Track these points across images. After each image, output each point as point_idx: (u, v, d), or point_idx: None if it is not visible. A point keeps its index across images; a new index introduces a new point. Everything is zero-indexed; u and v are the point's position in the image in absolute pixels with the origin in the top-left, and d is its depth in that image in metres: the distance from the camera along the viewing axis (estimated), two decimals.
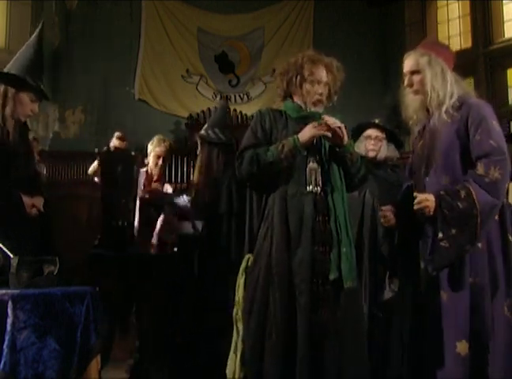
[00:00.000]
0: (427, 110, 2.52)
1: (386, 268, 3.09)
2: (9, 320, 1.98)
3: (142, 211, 4.07)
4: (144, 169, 4.15)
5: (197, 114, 7.52)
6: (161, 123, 7.22)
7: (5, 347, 1.96)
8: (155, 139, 4.15)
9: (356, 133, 3.20)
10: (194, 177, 3.52)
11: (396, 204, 2.62)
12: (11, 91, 2.73)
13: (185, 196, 3.59)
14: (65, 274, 2.57)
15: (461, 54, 7.03)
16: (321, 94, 2.51)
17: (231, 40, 8.03)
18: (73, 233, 5.80)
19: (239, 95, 7.98)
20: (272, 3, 8.13)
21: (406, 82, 2.52)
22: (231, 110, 7.64)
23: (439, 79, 2.45)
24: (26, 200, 2.74)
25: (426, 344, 2.40)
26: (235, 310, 2.59)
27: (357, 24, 8.07)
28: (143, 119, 7.37)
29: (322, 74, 2.51)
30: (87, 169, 6.84)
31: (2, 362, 1.94)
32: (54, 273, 2.34)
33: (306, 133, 2.42)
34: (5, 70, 2.78)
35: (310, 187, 2.41)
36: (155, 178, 4.11)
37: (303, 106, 2.54)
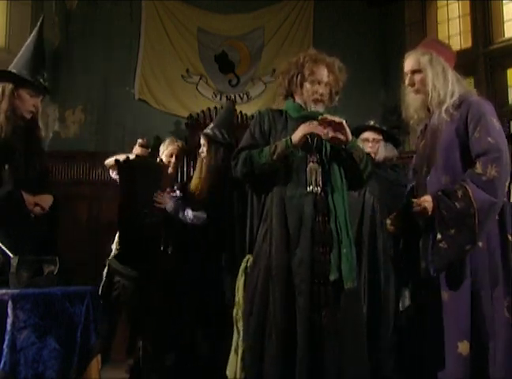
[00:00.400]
0: (428, 110, 2.51)
1: (402, 276, 3.09)
2: (9, 320, 1.99)
3: None
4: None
5: (197, 114, 7.52)
6: (161, 123, 7.21)
7: (5, 346, 1.96)
8: (167, 140, 4.16)
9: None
10: (198, 177, 3.49)
11: (401, 208, 2.59)
12: (8, 87, 2.72)
13: (189, 211, 3.47)
14: (65, 274, 2.57)
15: (461, 53, 7.02)
16: (321, 94, 2.50)
17: (231, 40, 8.02)
18: (72, 233, 5.79)
19: (239, 95, 7.97)
20: (272, 3, 8.12)
21: (407, 81, 2.52)
22: None
23: (440, 78, 2.45)
24: (28, 198, 2.73)
25: (426, 344, 2.40)
26: (235, 311, 2.60)
27: (357, 24, 8.06)
28: (143, 119, 7.37)
29: (323, 74, 2.51)
30: (87, 169, 6.85)
31: (2, 362, 1.94)
32: (54, 273, 2.34)
33: (298, 131, 2.42)
34: (9, 69, 2.79)
35: (311, 187, 2.41)
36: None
37: (304, 105, 2.54)
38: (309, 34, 8.13)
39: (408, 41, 7.62)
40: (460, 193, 2.28)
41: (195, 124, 7.53)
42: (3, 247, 2.37)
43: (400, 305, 3.06)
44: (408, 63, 2.54)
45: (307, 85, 2.51)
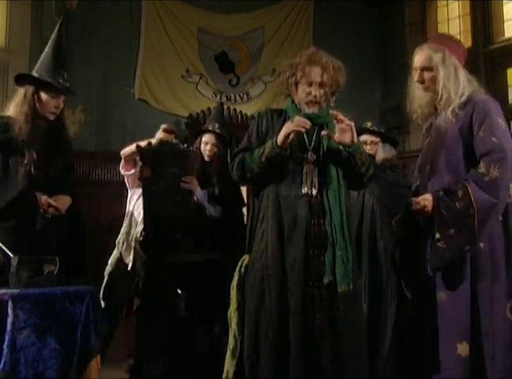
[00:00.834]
0: (435, 108, 2.48)
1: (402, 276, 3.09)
2: (9, 320, 1.99)
3: None
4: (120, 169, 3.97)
5: (197, 114, 7.52)
6: (161, 123, 7.14)
7: (5, 346, 1.96)
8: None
9: None
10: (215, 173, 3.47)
11: (404, 210, 2.58)
12: (29, 91, 2.76)
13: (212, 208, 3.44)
14: (66, 274, 2.58)
15: None
16: (314, 95, 2.48)
17: (231, 40, 8.02)
18: None
19: (239, 95, 7.97)
20: (272, 3, 8.12)
21: (417, 78, 2.47)
22: (231, 109, 7.64)
23: (452, 79, 2.41)
24: (41, 198, 2.73)
25: (426, 345, 2.39)
26: (229, 310, 2.60)
27: (357, 24, 8.06)
28: (143, 119, 7.36)
29: (317, 75, 2.47)
30: (87, 169, 6.84)
31: (2, 362, 1.94)
32: (54, 273, 2.34)
33: (281, 132, 2.40)
34: (32, 72, 2.82)
35: (306, 189, 2.40)
36: None
37: (299, 107, 2.54)
38: (309, 34, 8.13)
39: (408, 41, 7.62)
40: (460, 193, 2.27)
41: (195, 124, 7.53)
42: (3, 247, 2.37)
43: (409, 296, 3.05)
44: (419, 59, 2.48)
45: (301, 87, 2.50)
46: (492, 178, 2.23)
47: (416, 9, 7.96)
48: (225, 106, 7.73)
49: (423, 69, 2.45)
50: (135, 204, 3.94)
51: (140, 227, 3.73)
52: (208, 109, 7.58)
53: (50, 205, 2.75)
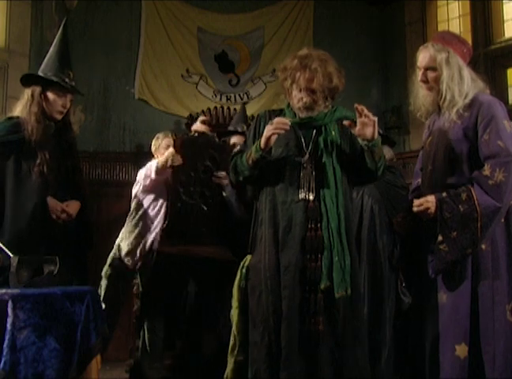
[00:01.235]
0: (438, 106, 2.46)
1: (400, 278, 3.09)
2: (9, 320, 1.99)
3: None
4: (153, 173, 3.84)
5: (197, 114, 7.51)
6: (161, 122, 7.21)
7: (5, 346, 1.96)
8: (159, 135, 4.01)
9: None
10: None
11: (407, 209, 2.57)
12: (36, 91, 2.77)
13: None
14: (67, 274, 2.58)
15: None
16: (305, 102, 2.45)
17: (231, 40, 8.02)
18: None
19: (239, 95, 7.97)
20: (272, 3, 8.12)
21: (420, 77, 2.45)
22: (231, 109, 7.63)
23: (456, 79, 2.38)
24: (55, 205, 2.74)
25: (426, 345, 2.39)
26: (232, 310, 2.61)
27: (357, 23, 8.06)
28: (143, 119, 7.37)
29: (306, 81, 2.43)
30: (87, 169, 6.83)
31: (2, 362, 1.94)
32: (54, 273, 2.34)
33: (263, 135, 2.38)
34: (38, 73, 2.83)
35: (303, 194, 2.38)
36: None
37: (294, 111, 2.53)
38: (309, 34, 8.13)
39: (408, 41, 7.62)
40: (464, 196, 2.25)
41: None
42: (3, 247, 2.37)
43: (406, 301, 3.06)
44: (423, 58, 2.45)
45: (293, 92, 2.48)
46: (497, 182, 2.21)
47: (416, 9, 7.96)
48: (225, 107, 7.74)
49: (427, 68, 2.42)
50: (150, 206, 3.84)
51: (157, 229, 3.71)
52: (208, 109, 7.58)
53: (63, 211, 2.77)
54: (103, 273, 3.97)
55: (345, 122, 2.38)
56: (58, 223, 2.77)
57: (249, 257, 2.54)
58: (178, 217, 3.40)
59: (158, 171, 3.68)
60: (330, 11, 8.05)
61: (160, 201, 3.83)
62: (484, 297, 2.25)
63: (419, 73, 2.47)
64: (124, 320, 4.43)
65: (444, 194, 2.30)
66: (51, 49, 2.93)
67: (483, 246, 2.27)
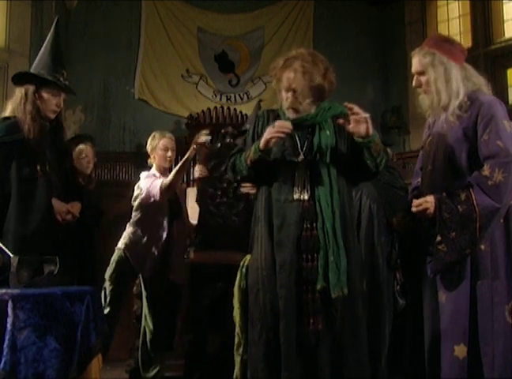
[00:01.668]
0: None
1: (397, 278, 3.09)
2: (10, 320, 1.99)
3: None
4: (152, 174, 3.81)
5: (197, 114, 7.52)
6: (161, 123, 7.21)
7: (5, 346, 1.96)
8: (155, 134, 3.94)
9: None
10: None
11: (406, 209, 2.56)
12: (30, 90, 2.74)
13: None
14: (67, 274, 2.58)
15: None
16: (292, 102, 2.45)
17: (231, 40, 8.02)
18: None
19: (239, 95, 7.98)
20: (272, 3, 8.12)
21: (414, 83, 2.48)
22: (231, 109, 7.64)
23: (442, 80, 2.39)
24: (58, 205, 2.73)
25: (425, 346, 2.39)
26: (234, 310, 2.62)
27: (357, 23, 8.06)
28: (143, 119, 7.37)
29: (289, 81, 2.44)
30: None
31: (3, 362, 1.94)
32: (55, 273, 2.34)
33: (263, 136, 2.38)
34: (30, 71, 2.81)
35: (297, 194, 2.38)
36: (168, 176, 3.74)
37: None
38: (309, 34, 8.13)
39: (408, 41, 7.62)
40: (463, 196, 2.24)
41: (195, 124, 7.53)
42: (3, 247, 2.37)
43: (401, 302, 3.06)
44: (414, 64, 2.48)
45: (281, 93, 2.49)
46: (496, 182, 2.20)
47: (416, 9, 7.96)
48: (225, 107, 7.74)
49: (418, 73, 2.46)
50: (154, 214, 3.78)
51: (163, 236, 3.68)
52: (208, 109, 7.58)
53: (68, 212, 2.77)
54: (107, 276, 3.90)
55: (339, 121, 2.37)
56: (61, 223, 2.77)
57: (248, 256, 2.55)
58: (209, 229, 3.44)
59: (163, 193, 3.61)
60: (330, 11, 8.06)
61: (164, 209, 3.77)
62: (483, 297, 2.25)
63: (414, 79, 2.50)
64: (124, 320, 4.42)
65: (443, 194, 2.30)
66: (43, 48, 2.91)
67: (483, 247, 2.27)
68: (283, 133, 2.32)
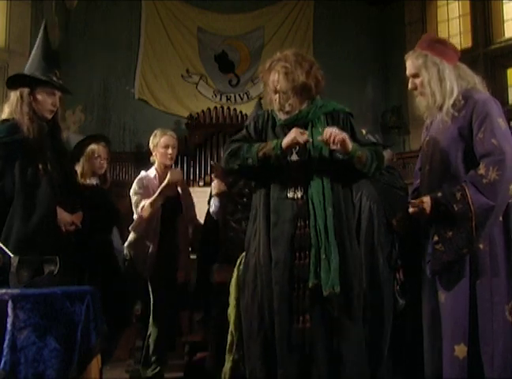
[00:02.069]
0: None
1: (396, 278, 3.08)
2: (10, 320, 1.98)
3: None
4: (153, 173, 3.76)
5: (197, 114, 7.53)
6: (161, 123, 7.20)
7: (5, 346, 1.96)
8: (156, 132, 3.94)
9: None
10: None
11: (405, 210, 2.55)
12: (25, 92, 2.76)
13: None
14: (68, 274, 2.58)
15: (461, 53, 6.95)
16: (279, 103, 2.46)
17: (231, 40, 8.03)
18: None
19: (239, 95, 7.98)
20: (272, 3, 8.14)
21: (410, 85, 2.48)
22: (231, 109, 7.65)
23: (435, 81, 2.39)
24: (64, 216, 2.74)
25: (425, 345, 2.39)
26: (229, 307, 2.62)
27: (357, 23, 8.07)
28: (143, 119, 7.38)
29: (274, 82, 2.45)
30: None
31: (3, 362, 1.94)
32: (55, 273, 2.33)
33: (288, 137, 2.37)
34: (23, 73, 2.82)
35: (291, 193, 2.38)
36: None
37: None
38: (309, 34, 8.14)
39: (408, 40, 7.63)
40: (459, 195, 2.24)
41: (195, 124, 7.54)
42: (3, 247, 2.37)
43: (400, 302, 3.06)
44: (408, 67, 2.49)
45: (270, 95, 2.49)
46: (491, 180, 2.19)
47: (416, 9, 7.97)
48: (225, 107, 7.75)
49: (412, 75, 2.47)
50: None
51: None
52: (208, 109, 7.59)
53: (72, 223, 2.78)
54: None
55: (319, 138, 2.37)
56: (63, 233, 2.78)
57: (244, 254, 2.55)
58: (231, 244, 3.45)
59: (144, 213, 3.60)
60: (330, 11, 8.06)
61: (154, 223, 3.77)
62: (483, 297, 2.24)
63: (409, 82, 2.50)
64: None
65: (439, 194, 2.30)
66: (34, 50, 2.92)
67: (481, 246, 2.26)
68: (304, 140, 2.33)
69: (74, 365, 2.17)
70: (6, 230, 2.60)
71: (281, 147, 2.37)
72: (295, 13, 8.19)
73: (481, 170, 2.24)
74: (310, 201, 2.35)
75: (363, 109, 3.81)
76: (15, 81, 2.83)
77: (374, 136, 3.38)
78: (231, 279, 2.75)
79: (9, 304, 2.01)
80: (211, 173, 7.36)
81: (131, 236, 3.76)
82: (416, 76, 2.46)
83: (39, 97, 2.79)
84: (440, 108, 2.38)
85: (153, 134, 3.85)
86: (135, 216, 3.69)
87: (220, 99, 7.90)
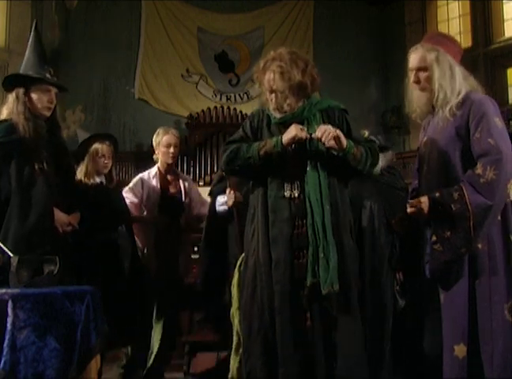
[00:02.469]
0: (433, 107, 2.45)
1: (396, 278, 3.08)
2: (10, 320, 1.98)
3: None
4: (154, 171, 3.76)
5: (197, 114, 7.52)
6: (161, 122, 7.19)
7: (5, 346, 1.96)
8: (159, 130, 3.94)
9: None
10: None
11: (404, 210, 2.55)
12: (20, 91, 2.77)
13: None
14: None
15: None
16: (275, 102, 2.45)
17: (231, 39, 8.03)
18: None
19: (239, 95, 7.98)
20: (272, 3, 8.13)
21: (413, 79, 2.44)
22: (231, 109, 7.65)
23: (447, 77, 2.37)
24: (61, 217, 2.75)
25: (424, 345, 2.39)
26: (232, 308, 2.62)
27: (357, 23, 8.07)
28: (143, 119, 7.38)
29: (270, 82, 2.44)
30: None
31: (2, 361, 1.94)
32: (54, 273, 2.33)
33: (289, 133, 2.37)
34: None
35: (288, 192, 2.38)
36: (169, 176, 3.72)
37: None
38: (309, 34, 8.14)
39: (408, 40, 7.63)
40: (456, 195, 2.23)
41: (195, 123, 7.54)
42: (3, 247, 2.37)
43: (400, 302, 3.06)
44: (414, 60, 2.45)
45: (265, 95, 2.49)
46: (488, 180, 2.19)
47: (416, 9, 7.97)
48: (225, 106, 7.75)
49: (418, 69, 2.42)
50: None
51: None
52: (208, 109, 7.59)
53: (69, 224, 2.79)
54: None
55: (314, 135, 2.36)
56: (60, 233, 2.78)
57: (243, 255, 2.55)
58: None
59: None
60: (330, 11, 8.06)
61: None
62: (482, 296, 2.24)
63: (412, 75, 2.46)
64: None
65: (437, 194, 2.29)
66: (27, 51, 2.94)
67: (480, 245, 2.25)
68: (305, 136, 2.33)
69: (74, 365, 2.17)
70: (4, 230, 2.60)
71: (282, 144, 2.36)
72: (295, 12, 8.19)
73: (478, 170, 2.24)
74: (307, 199, 2.35)
75: (364, 110, 3.80)
76: (11, 83, 2.85)
77: (377, 138, 3.38)
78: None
79: (9, 304, 2.01)
80: (211, 173, 7.39)
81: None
82: (422, 69, 2.42)
83: (34, 95, 2.80)
84: (441, 106, 2.37)
85: (156, 132, 3.86)
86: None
87: (220, 98, 7.90)
